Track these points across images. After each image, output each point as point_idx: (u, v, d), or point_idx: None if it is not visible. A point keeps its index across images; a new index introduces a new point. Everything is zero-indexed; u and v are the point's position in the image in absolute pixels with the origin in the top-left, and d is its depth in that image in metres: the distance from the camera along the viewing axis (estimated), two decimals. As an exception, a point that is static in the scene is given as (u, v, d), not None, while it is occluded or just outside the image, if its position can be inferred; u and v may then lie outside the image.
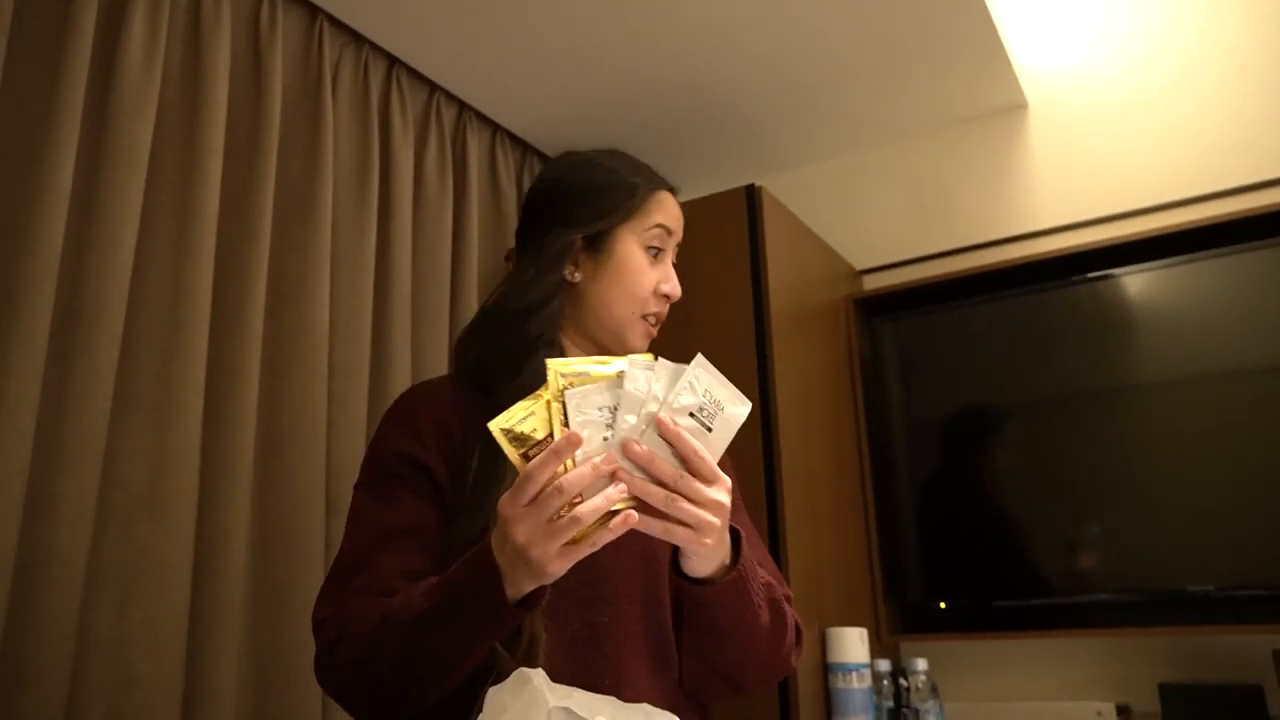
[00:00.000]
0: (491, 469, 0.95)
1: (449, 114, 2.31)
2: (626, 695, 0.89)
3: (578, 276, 1.11)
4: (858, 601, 2.08)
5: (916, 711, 1.83)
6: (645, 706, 0.79)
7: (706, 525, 0.82)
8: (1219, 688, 1.77)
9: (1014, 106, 2.40)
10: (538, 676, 0.76)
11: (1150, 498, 1.92)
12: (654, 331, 1.14)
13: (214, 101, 1.68)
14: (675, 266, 1.17)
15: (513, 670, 0.80)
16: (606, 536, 0.77)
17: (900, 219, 2.49)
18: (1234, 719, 1.71)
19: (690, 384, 0.81)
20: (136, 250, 1.53)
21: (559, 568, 0.78)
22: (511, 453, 0.78)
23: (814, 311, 2.18)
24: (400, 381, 1.92)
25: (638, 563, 1.01)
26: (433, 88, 2.26)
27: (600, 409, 0.79)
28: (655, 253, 1.13)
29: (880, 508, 2.21)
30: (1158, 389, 1.96)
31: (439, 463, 0.99)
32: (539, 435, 0.78)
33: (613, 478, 0.78)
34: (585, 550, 0.77)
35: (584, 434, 0.78)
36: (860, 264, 2.47)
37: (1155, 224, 2.11)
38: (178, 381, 1.52)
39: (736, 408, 0.83)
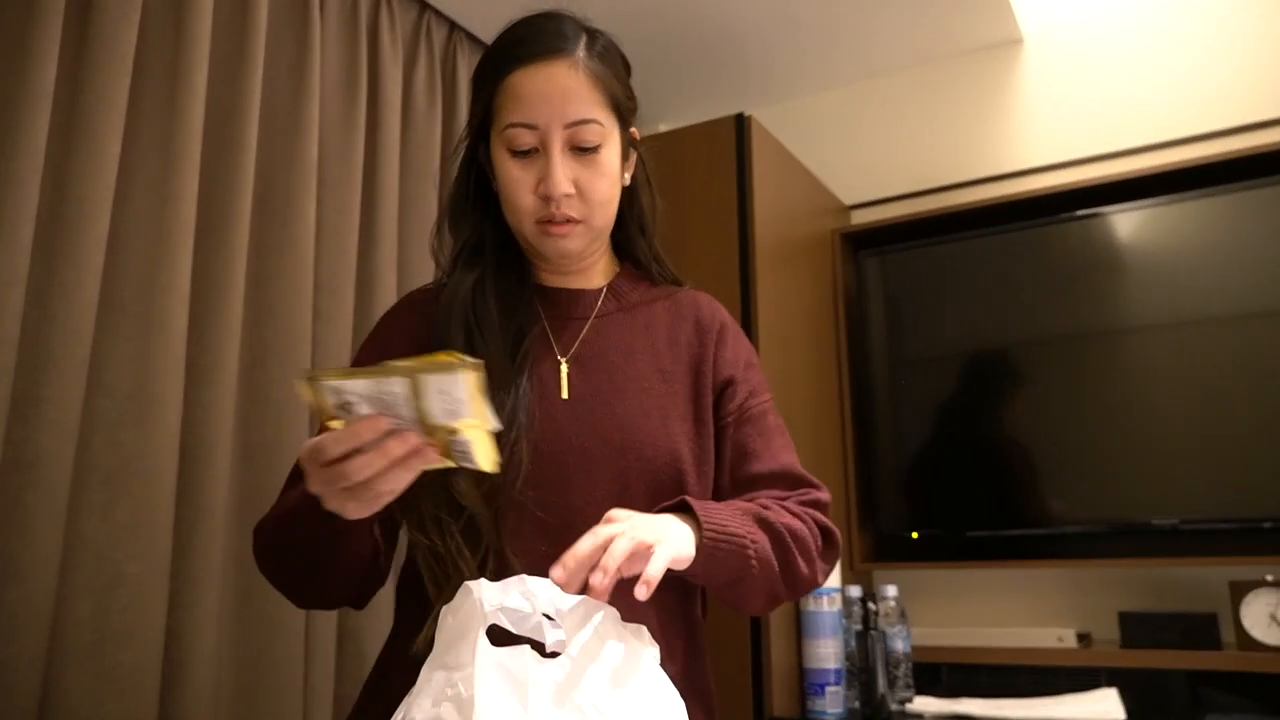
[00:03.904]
0: None
1: (439, 34, 2.29)
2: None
3: (496, 186, 1.04)
4: (832, 529, 2.12)
5: (884, 634, 1.89)
6: (584, 598, 0.79)
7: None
8: (1175, 616, 1.83)
9: (1009, 41, 2.38)
10: (479, 587, 0.76)
11: (1122, 436, 1.96)
12: (564, 230, 0.99)
13: (199, 9, 1.66)
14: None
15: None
16: (404, 480, 0.79)
17: (891, 154, 2.49)
18: (1187, 644, 1.77)
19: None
20: (121, 158, 1.53)
21: (356, 516, 0.82)
22: (325, 403, 0.78)
23: (800, 244, 2.19)
24: (386, 300, 1.93)
25: (610, 488, 0.98)
26: (423, 7, 2.23)
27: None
28: (526, 152, 0.98)
29: (858, 441, 2.25)
30: (1138, 330, 1.98)
31: None
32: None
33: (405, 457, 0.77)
34: (385, 500, 0.81)
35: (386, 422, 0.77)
36: (849, 199, 2.47)
37: (1148, 163, 2.11)
38: (163, 289, 1.53)
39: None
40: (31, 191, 1.38)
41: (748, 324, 1.90)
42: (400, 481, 0.79)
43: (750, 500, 0.99)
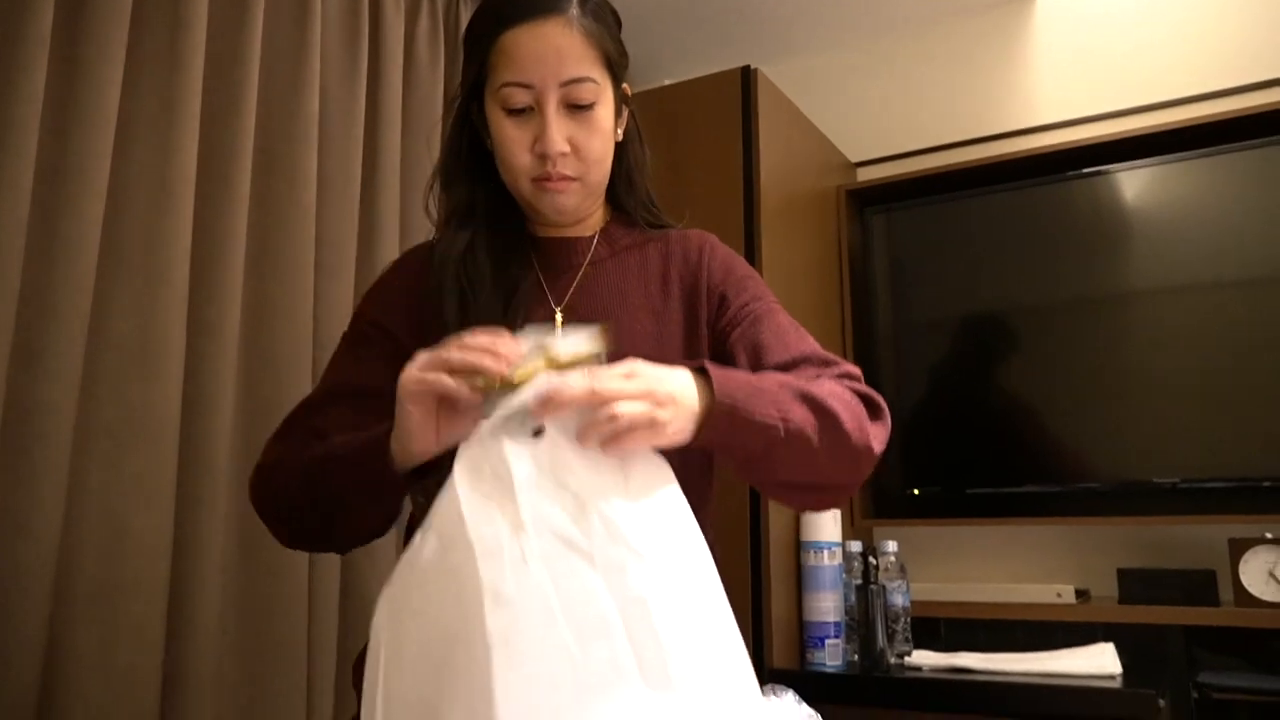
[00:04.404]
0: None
1: (441, -15, 2.25)
2: None
3: (490, 144, 1.03)
4: (833, 486, 2.13)
5: (883, 589, 1.90)
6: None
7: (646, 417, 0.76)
8: (1173, 572, 1.84)
9: (1021, -4, 2.34)
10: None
11: (1123, 395, 1.96)
12: (561, 186, 0.99)
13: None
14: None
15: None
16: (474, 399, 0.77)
17: (898, 111, 2.46)
18: (1185, 601, 1.79)
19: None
20: (120, 108, 1.51)
21: (420, 397, 0.79)
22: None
23: (805, 200, 2.17)
24: (387, 254, 1.92)
25: None
26: (424, -43, 2.19)
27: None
28: (520, 111, 0.97)
29: (861, 397, 2.25)
30: (1142, 290, 1.97)
31: (404, 330, 1.03)
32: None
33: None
34: (459, 426, 0.78)
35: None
36: (855, 156, 2.45)
37: (1159, 120, 2.09)
38: (164, 241, 1.52)
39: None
40: (30, 141, 1.37)
41: (751, 280, 1.89)
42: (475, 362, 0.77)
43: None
